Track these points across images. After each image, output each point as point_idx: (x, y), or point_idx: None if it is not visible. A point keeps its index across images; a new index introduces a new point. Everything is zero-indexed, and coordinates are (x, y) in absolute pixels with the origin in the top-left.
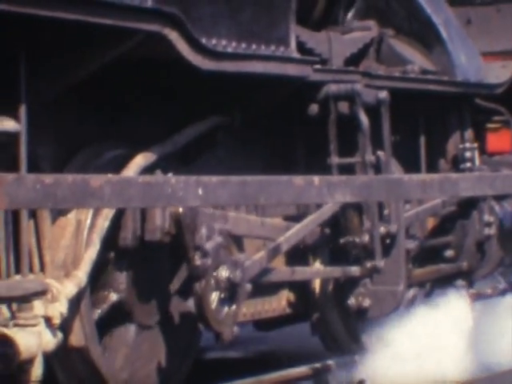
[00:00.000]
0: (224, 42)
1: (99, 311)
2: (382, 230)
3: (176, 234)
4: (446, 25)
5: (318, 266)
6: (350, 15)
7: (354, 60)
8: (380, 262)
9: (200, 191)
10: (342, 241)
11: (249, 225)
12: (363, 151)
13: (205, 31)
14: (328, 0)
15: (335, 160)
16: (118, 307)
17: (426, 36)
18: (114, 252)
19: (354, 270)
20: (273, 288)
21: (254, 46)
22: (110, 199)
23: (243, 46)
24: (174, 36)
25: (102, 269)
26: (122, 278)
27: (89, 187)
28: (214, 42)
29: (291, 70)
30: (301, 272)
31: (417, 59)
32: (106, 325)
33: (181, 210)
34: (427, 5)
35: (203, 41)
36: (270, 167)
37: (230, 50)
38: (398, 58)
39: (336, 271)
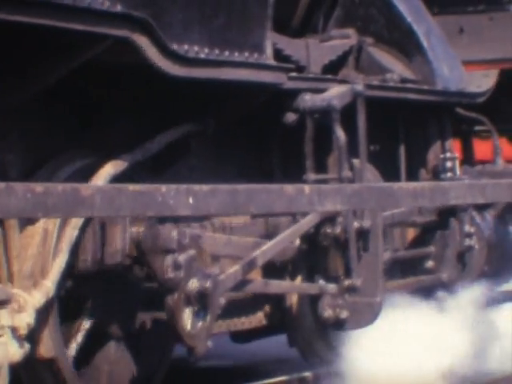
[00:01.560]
0: (196, 49)
1: (78, 341)
2: (356, 224)
3: (137, 257)
4: (426, 33)
5: (296, 280)
6: (329, 23)
7: (333, 68)
8: (357, 280)
9: (190, 200)
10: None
11: (215, 242)
12: (340, 167)
13: (176, 37)
14: (307, 8)
15: (311, 177)
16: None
17: (406, 45)
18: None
19: (331, 287)
20: (249, 299)
21: (226, 53)
22: (100, 208)
23: (216, 52)
24: (143, 41)
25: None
26: (91, 304)
27: (79, 196)
28: (185, 48)
29: (265, 77)
30: (275, 286)
31: (397, 68)
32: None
33: (141, 230)
34: (408, 13)
35: (174, 47)
36: (245, 176)
37: (202, 56)
38: (378, 67)
39: (312, 288)
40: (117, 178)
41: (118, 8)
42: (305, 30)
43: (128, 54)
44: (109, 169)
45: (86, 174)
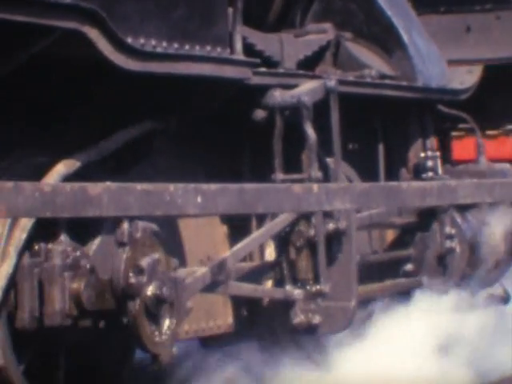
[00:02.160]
0: (153, 42)
1: None
2: (331, 226)
3: (78, 316)
4: (407, 28)
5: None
6: (307, 18)
7: (309, 64)
8: (326, 286)
9: (199, 199)
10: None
11: None
12: (310, 167)
13: (131, 30)
14: (284, 2)
15: (280, 176)
16: None
17: (386, 40)
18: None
19: (297, 292)
20: (218, 304)
21: (187, 47)
22: (108, 207)
23: (175, 46)
24: (94, 34)
25: None
26: None
27: (87, 195)
28: (141, 41)
29: (228, 72)
30: (237, 288)
31: (376, 64)
32: None
33: (82, 286)
34: (388, 7)
35: (129, 40)
36: (213, 176)
37: (159, 50)
38: (356, 63)
39: (277, 292)
40: (69, 178)
41: None
42: (282, 25)
43: (79, 48)
44: (60, 168)
45: (38, 174)
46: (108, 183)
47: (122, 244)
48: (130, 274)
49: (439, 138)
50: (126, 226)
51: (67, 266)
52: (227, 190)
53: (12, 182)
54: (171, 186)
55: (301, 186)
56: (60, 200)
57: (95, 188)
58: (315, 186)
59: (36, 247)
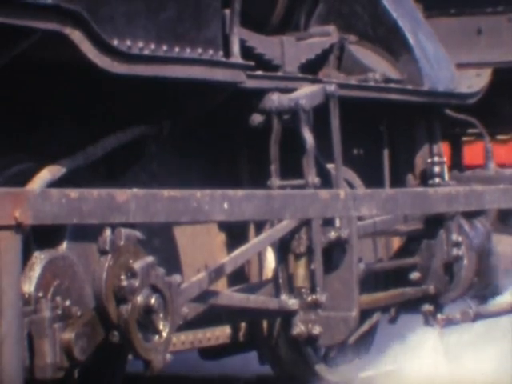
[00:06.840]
0: (141, 44)
1: None
2: (332, 234)
3: (69, 368)
4: (413, 31)
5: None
6: (311, 21)
7: (313, 67)
8: (322, 296)
9: (226, 205)
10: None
11: None
12: (307, 172)
13: (117, 32)
14: (288, 5)
15: (276, 182)
16: None
17: (391, 42)
18: None
19: (292, 303)
20: (216, 314)
21: (176, 49)
22: (135, 214)
23: (164, 48)
24: (76, 36)
25: None
26: None
27: (114, 202)
28: (128, 43)
29: (220, 75)
30: (227, 298)
31: (381, 67)
32: None
33: (73, 337)
34: (393, 9)
35: (115, 42)
36: (210, 182)
37: (147, 52)
38: (360, 66)
39: (271, 303)
40: (54, 184)
41: (50, 0)
42: (286, 27)
43: (61, 51)
44: (44, 174)
45: (23, 180)
46: (135, 190)
47: (104, 252)
48: (122, 277)
49: (450, 142)
50: (108, 233)
51: (57, 318)
52: (254, 196)
53: (38, 189)
54: (198, 193)
55: (328, 192)
56: (87, 207)
57: (123, 195)
58: (342, 192)
59: (26, 295)
